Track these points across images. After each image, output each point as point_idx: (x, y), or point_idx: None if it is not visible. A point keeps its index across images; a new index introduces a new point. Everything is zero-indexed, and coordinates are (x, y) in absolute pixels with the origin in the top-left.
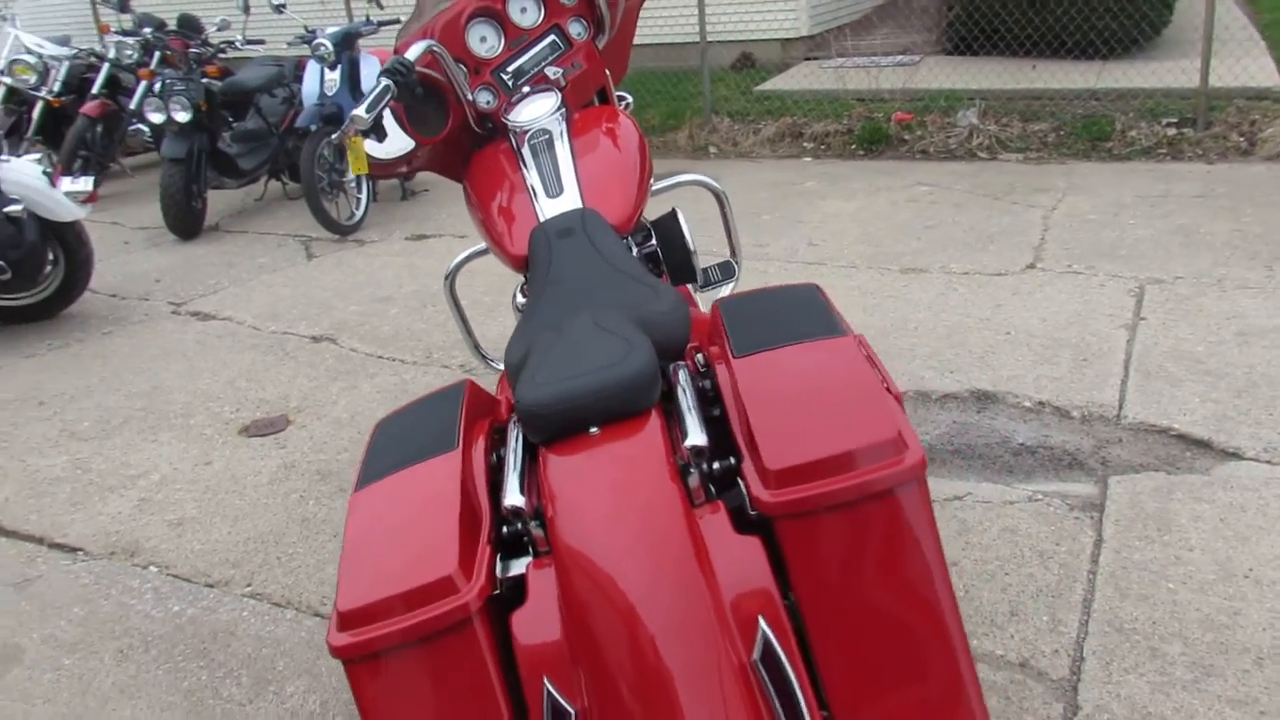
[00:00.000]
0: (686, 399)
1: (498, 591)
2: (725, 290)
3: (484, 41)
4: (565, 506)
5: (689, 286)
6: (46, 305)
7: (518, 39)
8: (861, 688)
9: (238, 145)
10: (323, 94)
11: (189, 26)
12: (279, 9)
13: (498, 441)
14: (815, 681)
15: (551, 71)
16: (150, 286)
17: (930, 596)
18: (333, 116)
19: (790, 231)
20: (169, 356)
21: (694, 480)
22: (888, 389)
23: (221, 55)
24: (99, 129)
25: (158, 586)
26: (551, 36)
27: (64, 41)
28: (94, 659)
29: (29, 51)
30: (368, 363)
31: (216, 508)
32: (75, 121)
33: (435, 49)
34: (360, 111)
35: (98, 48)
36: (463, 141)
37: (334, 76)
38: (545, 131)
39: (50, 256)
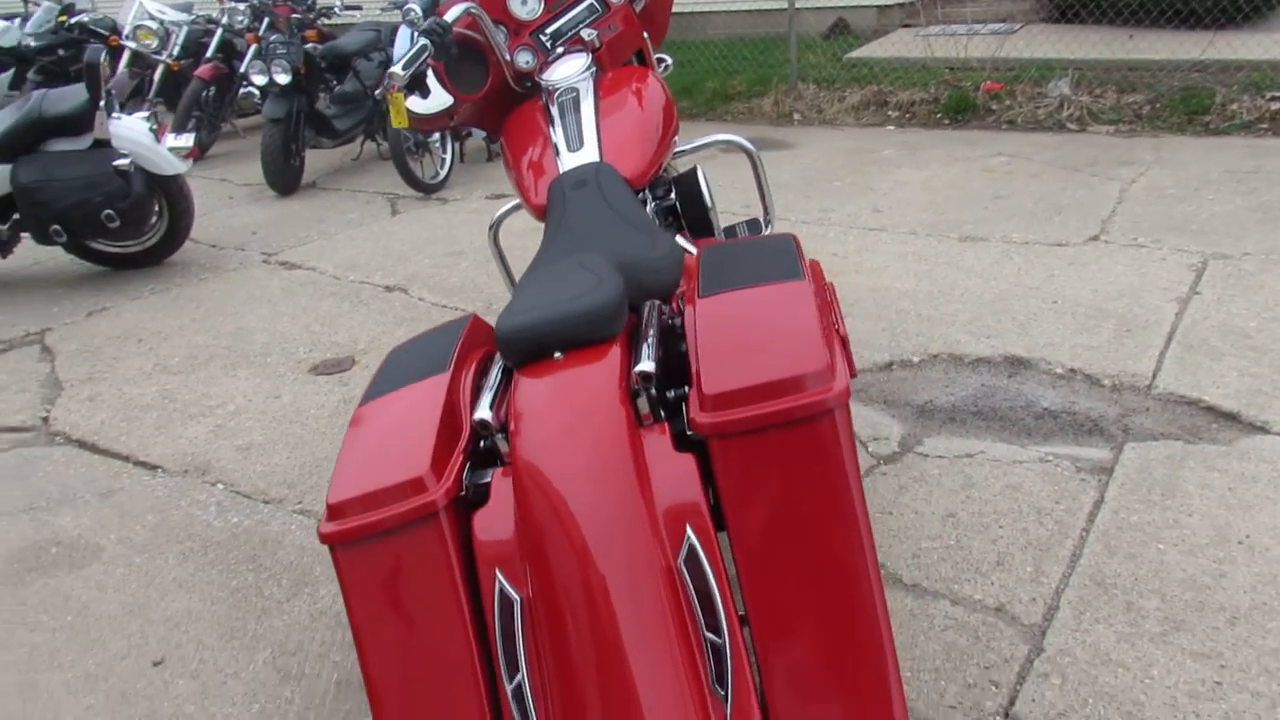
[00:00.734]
0: (647, 332)
1: (463, 493)
2: None
3: (524, 4)
4: (525, 422)
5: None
6: (152, 253)
7: (557, 1)
8: (775, 595)
9: (335, 107)
10: None
11: None
12: None
13: (489, 367)
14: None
15: (587, 33)
16: (247, 238)
17: (841, 518)
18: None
19: (858, 198)
20: (255, 301)
21: (642, 403)
22: (836, 330)
23: (323, 20)
24: (211, 91)
25: (221, 501)
26: (590, 0)
27: (186, 8)
28: (159, 559)
29: (151, 18)
30: (432, 311)
31: (280, 436)
32: (190, 84)
33: (474, 11)
34: (397, 69)
35: (215, 14)
36: (504, 99)
37: None
38: (574, 90)
39: (156, 208)
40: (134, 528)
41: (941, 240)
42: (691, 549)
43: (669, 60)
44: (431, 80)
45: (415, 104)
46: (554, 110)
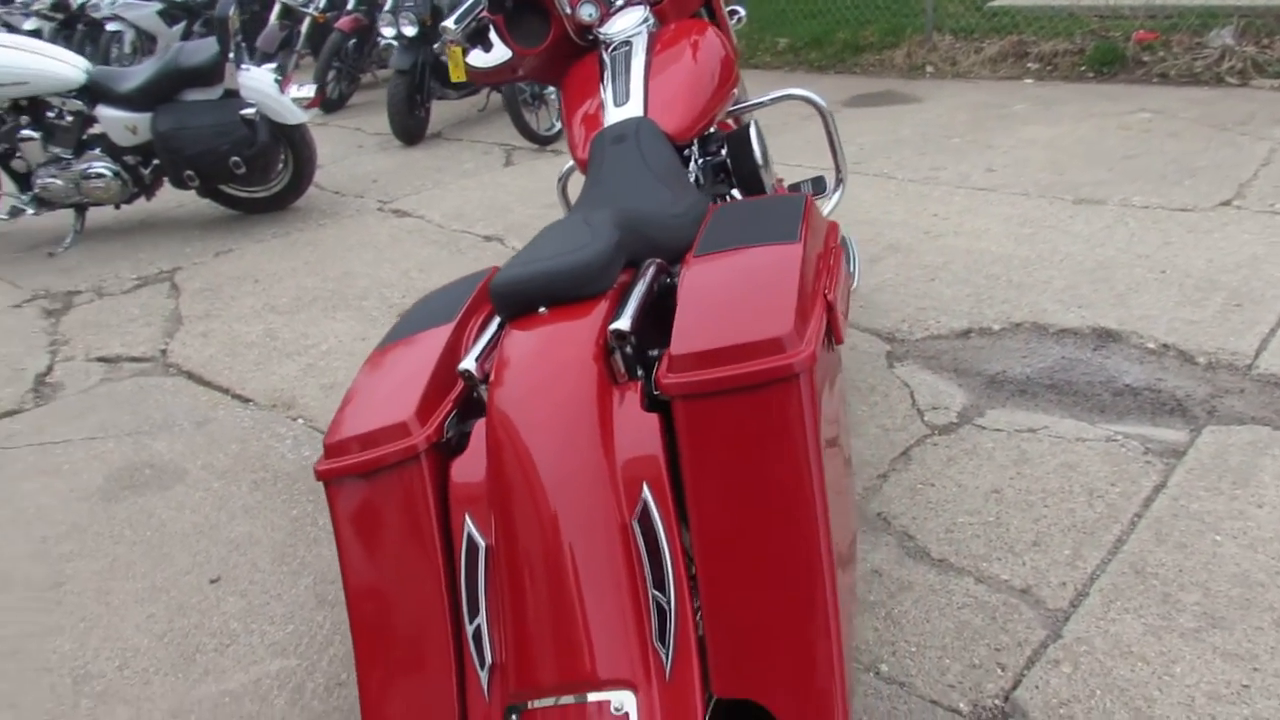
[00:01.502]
0: (634, 290)
1: (446, 440)
2: (834, 199)
3: None
4: (503, 373)
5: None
6: (278, 198)
7: None
8: (724, 559)
9: None
10: None
11: None
12: None
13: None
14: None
15: None
16: (367, 186)
17: (796, 488)
18: None
19: (973, 156)
20: (363, 247)
21: (617, 360)
22: (825, 295)
23: None
24: (351, 43)
25: (298, 435)
26: None
27: None
28: (234, 485)
29: None
30: None
31: None
32: (331, 35)
33: None
34: (449, 23)
35: None
36: (567, 52)
37: None
38: (628, 43)
39: (281, 156)
40: (218, 455)
41: (1054, 202)
42: (646, 507)
43: (742, 12)
44: (493, 33)
45: (477, 58)
46: (607, 64)
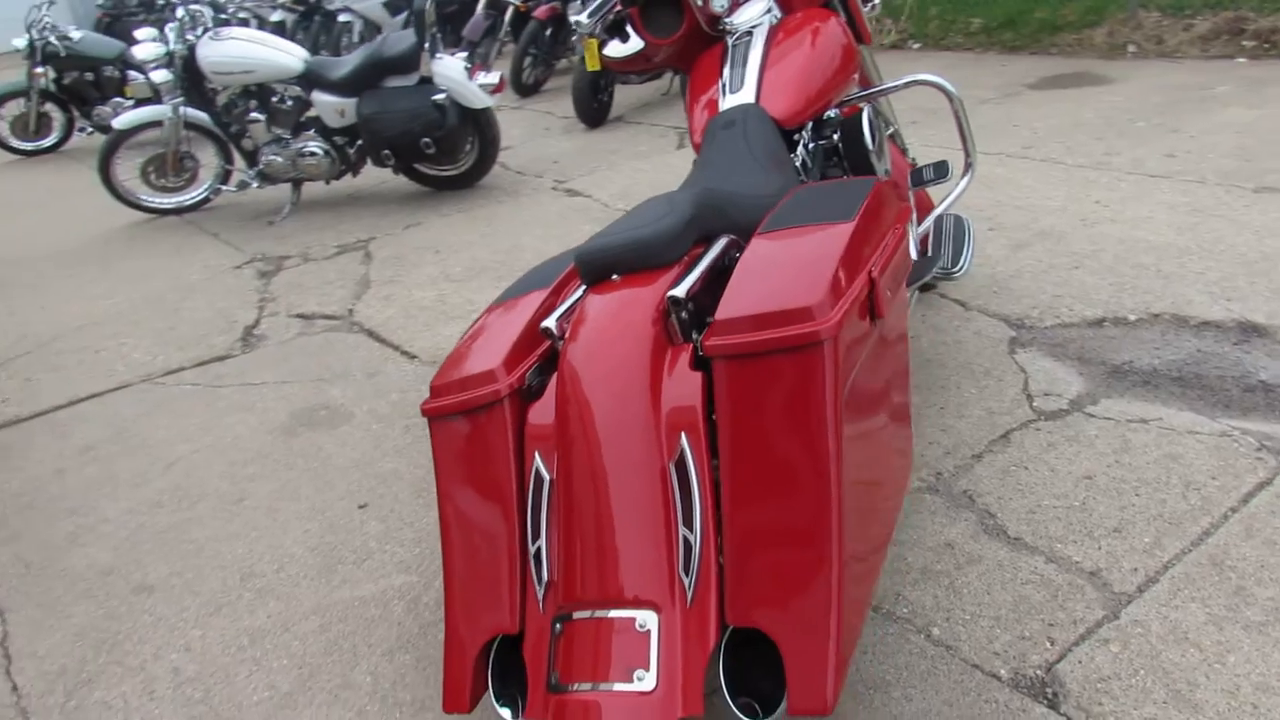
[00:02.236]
0: (699, 262)
1: (526, 387)
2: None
3: None
4: (576, 331)
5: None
6: (465, 177)
7: None
8: (746, 508)
9: None
10: None
11: None
12: None
13: None
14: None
15: None
16: (547, 166)
17: (813, 448)
18: None
19: (1155, 140)
20: (534, 223)
21: (673, 324)
22: (870, 272)
23: None
24: (547, 31)
25: None
26: None
27: None
28: (390, 428)
29: None
30: None
31: None
32: (528, 23)
33: None
34: (582, 17)
35: None
36: (700, 42)
37: None
38: (749, 33)
39: (469, 138)
40: (381, 402)
41: (1230, 191)
42: (682, 454)
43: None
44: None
45: (613, 49)
46: (729, 52)
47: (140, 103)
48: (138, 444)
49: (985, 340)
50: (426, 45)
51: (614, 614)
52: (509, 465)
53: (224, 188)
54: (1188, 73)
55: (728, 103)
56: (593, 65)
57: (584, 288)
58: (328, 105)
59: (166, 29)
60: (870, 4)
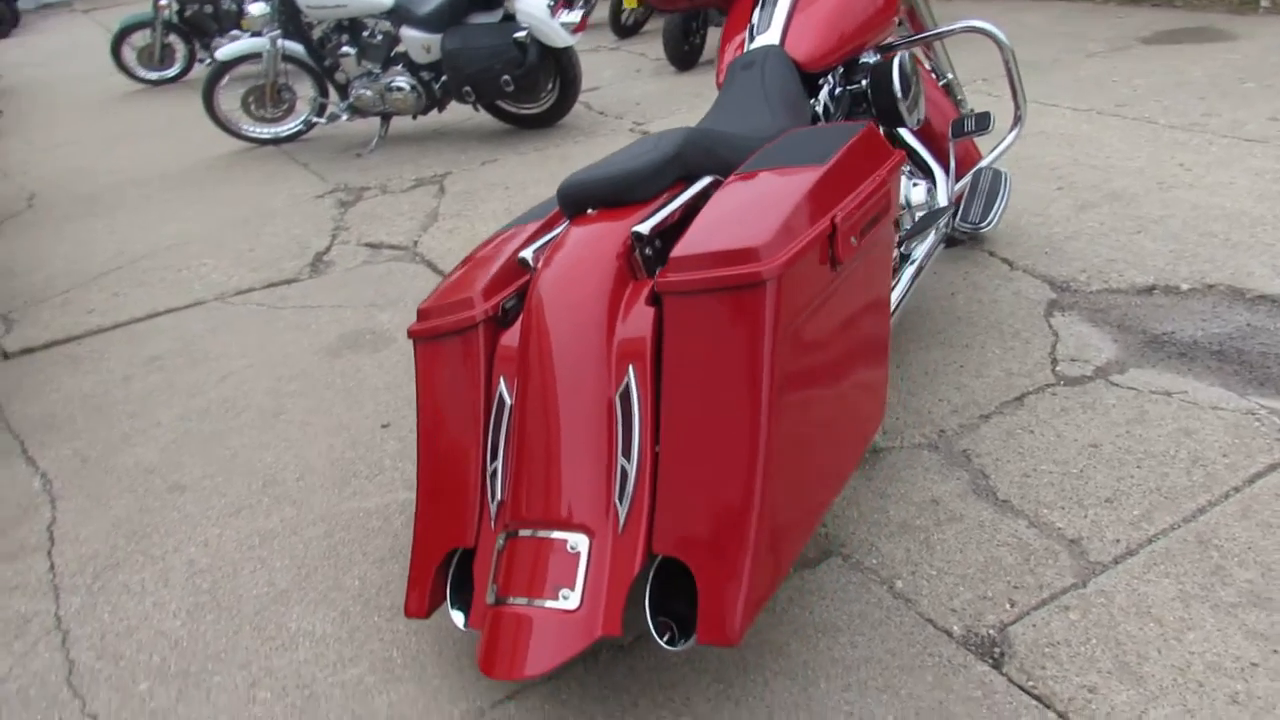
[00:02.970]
0: (669, 200)
1: (501, 314)
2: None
3: None
4: (547, 262)
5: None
6: (545, 116)
7: None
8: (680, 440)
9: None
10: None
11: None
12: None
13: None
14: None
15: None
16: (630, 108)
17: (745, 386)
18: None
19: (1262, 103)
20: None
21: (637, 259)
22: (834, 219)
23: None
24: None
25: None
26: None
27: None
28: None
29: None
30: None
31: None
32: None
33: None
34: None
35: None
36: None
37: None
38: None
39: (549, 77)
40: None
41: None
42: (627, 386)
43: None
44: None
45: None
46: None
47: (256, 36)
48: (200, 357)
49: (1023, 301)
50: None
51: (551, 535)
52: (479, 388)
53: (317, 120)
54: None
55: (754, 44)
56: (630, 2)
57: (566, 221)
58: (415, 41)
59: None
60: None
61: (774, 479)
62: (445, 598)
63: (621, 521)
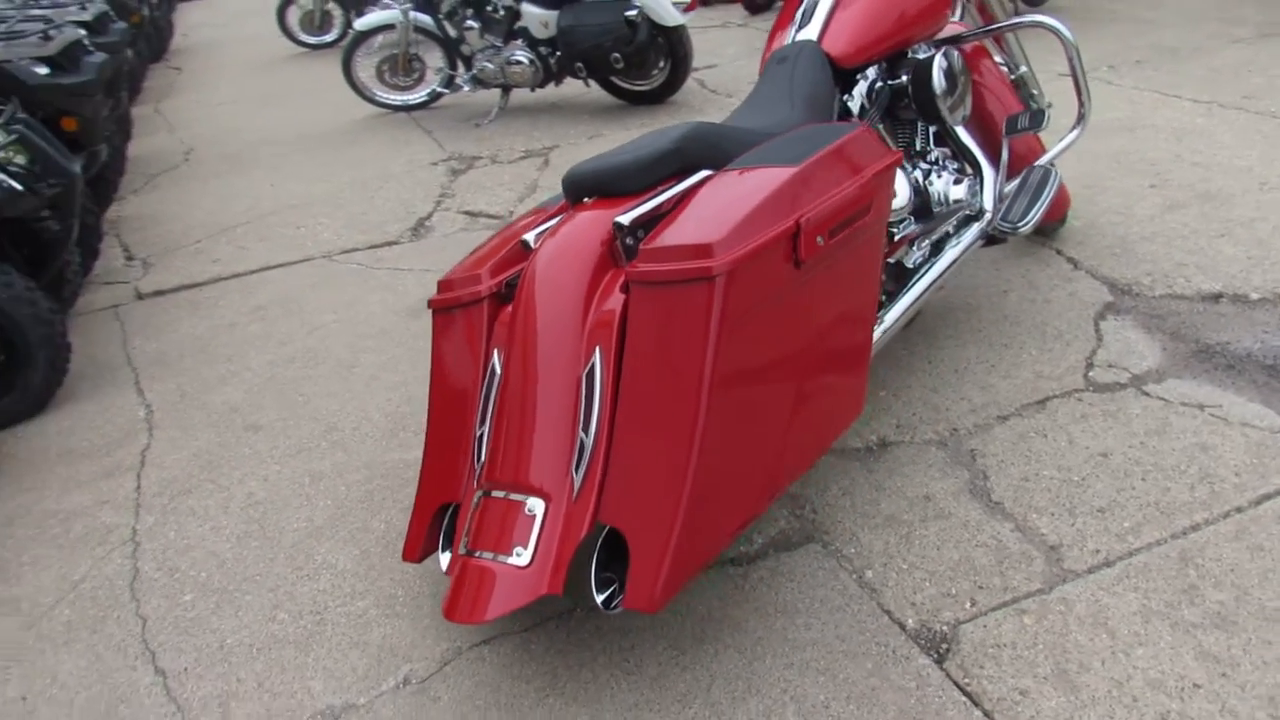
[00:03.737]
0: (657, 194)
1: (504, 290)
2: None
3: None
4: (542, 245)
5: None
6: (656, 93)
7: None
8: (632, 419)
9: None
10: None
11: None
12: None
13: None
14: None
15: None
16: (742, 87)
17: (688, 375)
18: None
19: None
20: None
21: (619, 248)
22: (799, 219)
23: None
24: None
25: None
26: None
27: None
28: None
29: None
30: None
31: None
32: None
33: None
34: None
35: None
36: None
37: None
38: None
39: (659, 55)
40: None
41: None
42: (592, 366)
43: None
44: None
45: None
46: None
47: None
48: (296, 310)
49: (1076, 303)
50: None
51: (515, 497)
52: (479, 358)
53: (444, 91)
54: None
55: (796, 37)
56: None
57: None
58: (534, 16)
59: None
60: None
61: (711, 462)
62: (437, 546)
63: (575, 490)
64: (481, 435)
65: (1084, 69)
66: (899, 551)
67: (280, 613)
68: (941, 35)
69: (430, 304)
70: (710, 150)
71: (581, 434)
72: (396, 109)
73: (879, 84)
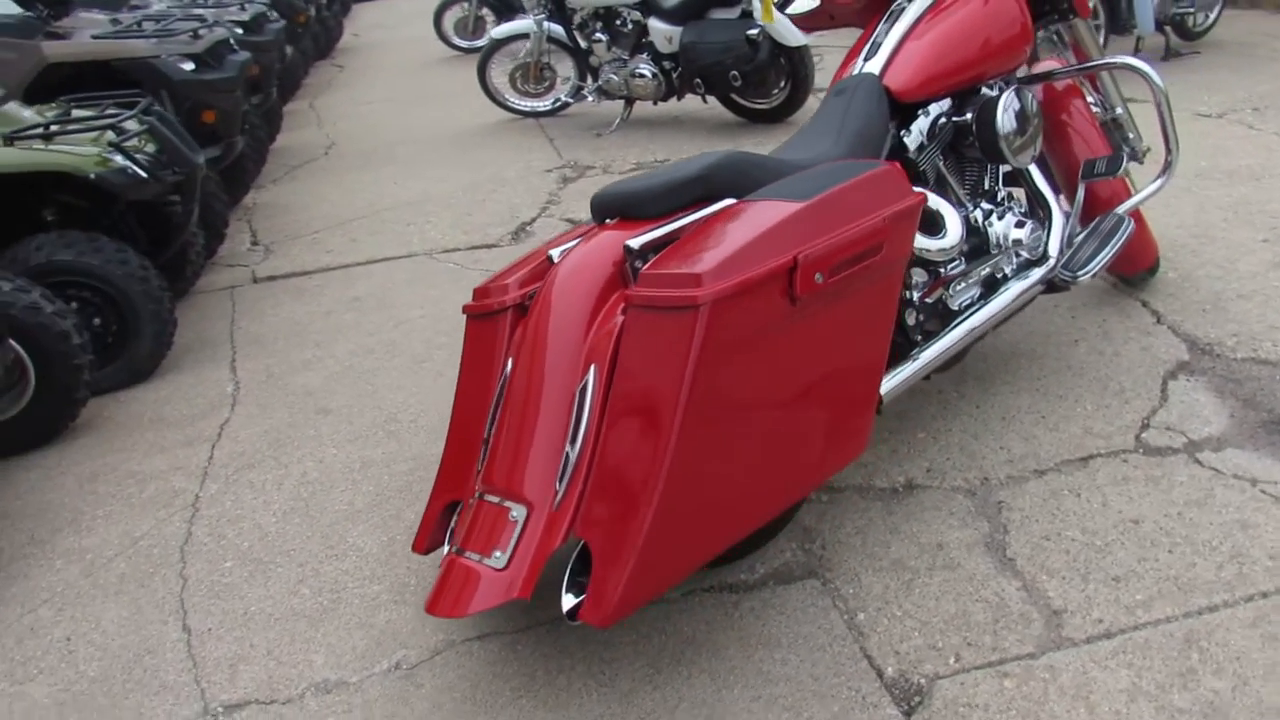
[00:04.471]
0: (673, 221)
1: (526, 303)
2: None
3: None
4: (561, 263)
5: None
6: (776, 112)
7: None
8: (613, 437)
9: None
10: None
11: None
12: None
13: None
14: None
15: None
16: None
17: (668, 396)
18: None
19: None
20: None
21: (628, 270)
22: (797, 256)
23: None
24: None
25: None
26: None
27: None
28: None
29: None
30: None
31: None
32: None
33: None
34: None
35: None
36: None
37: None
38: (908, 0)
39: (779, 74)
40: None
41: None
42: (586, 383)
43: None
44: None
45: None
46: (886, 17)
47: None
48: (389, 303)
49: (1148, 359)
50: None
51: (504, 502)
52: (497, 365)
53: (570, 100)
54: None
55: (859, 68)
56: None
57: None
58: (659, 31)
59: None
60: None
61: (682, 488)
62: (444, 540)
63: (557, 501)
64: (487, 439)
65: (1172, 115)
66: (896, 597)
67: (303, 587)
68: (1027, 72)
69: (464, 309)
70: (739, 179)
71: (568, 447)
72: (525, 114)
73: (942, 120)
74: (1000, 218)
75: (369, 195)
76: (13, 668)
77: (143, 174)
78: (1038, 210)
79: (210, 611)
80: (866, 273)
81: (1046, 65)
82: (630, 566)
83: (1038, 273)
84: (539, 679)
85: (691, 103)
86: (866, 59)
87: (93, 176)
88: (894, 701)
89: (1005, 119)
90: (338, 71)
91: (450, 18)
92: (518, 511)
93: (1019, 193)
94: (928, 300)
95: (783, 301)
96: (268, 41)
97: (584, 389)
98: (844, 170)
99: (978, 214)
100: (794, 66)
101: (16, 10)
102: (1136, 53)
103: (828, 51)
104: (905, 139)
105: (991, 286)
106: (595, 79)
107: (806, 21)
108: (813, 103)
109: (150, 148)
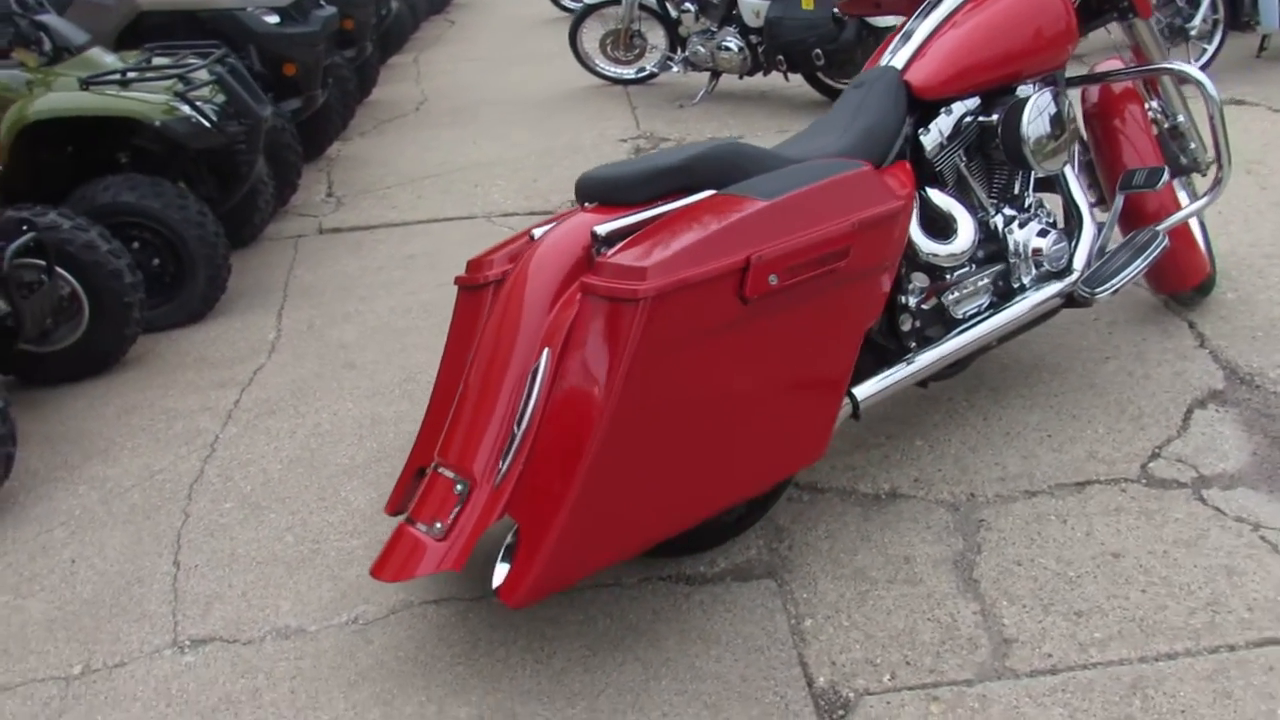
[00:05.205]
0: (645, 210)
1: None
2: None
3: None
4: (537, 243)
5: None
6: None
7: None
8: (553, 421)
9: None
10: None
11: None
12: None
13: None
14: None
15: None
16: None
17: (603, 384)
18: None
19: None
20: None
21: (594, 253)
22: (753, 254)
23: None
24: None
25: None
26: None
27: None
28: None
29: None
30: None
31: None
32: None
33: None
34: None
35: None
36: None
37: None
38: None
39: (868, 55)
40: None
41: None
42: (537, 366)
43: None
44: None
45: None
46: (920, 10)
47: None
48: (439, 263)
49: (1179, 384)
50: None
51: (450, 475)
52: (473, 338)
53: (657, 70)
54: None
55: (883, 61)
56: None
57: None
58: (748, 5)
59: None
60: None
61: (608, 477)
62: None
63: (498, 479)
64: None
65: (1225, 128)
66: (848, 607)
67: (289, 535)
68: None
69: (455, 280)
70: (727, 171)
71: (515, 427)
72: (613, 81)
73: (968, 119)
74: (1022, 225)
75: (445, 154)
76: (19, 582)
77: (206, 123)
78: (1069, 220)
79: (201, 549)
80: (831, 277)
81: (1107, 65)
82: (546, 553)
83: (1056, 286)
84: (480, 648)
85: (777, 79)
86: (894, 51)
87: (158, 123)
88: (816, 712)
89: (1033, 123)
90: (448, 27)
91: None
92: (462, 485)
93: (1055, 200)
94: (925, 306)
95: (734, 301)
96: None
97: (536, 371)
98: (818, 170)
99: (998, 220)
100: (867, 48)
101: None
102: (1261, 52)
103: None
104: (923, 138)
105: (1005, 296)
106: (684, 49)
107: (852, 8)
108: None
109: (219, 98)
